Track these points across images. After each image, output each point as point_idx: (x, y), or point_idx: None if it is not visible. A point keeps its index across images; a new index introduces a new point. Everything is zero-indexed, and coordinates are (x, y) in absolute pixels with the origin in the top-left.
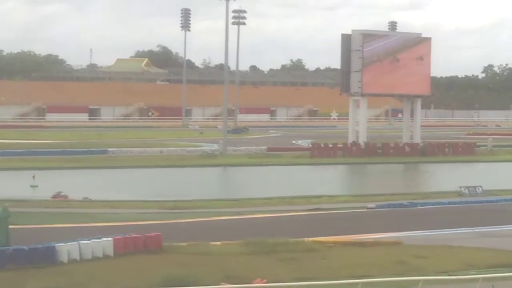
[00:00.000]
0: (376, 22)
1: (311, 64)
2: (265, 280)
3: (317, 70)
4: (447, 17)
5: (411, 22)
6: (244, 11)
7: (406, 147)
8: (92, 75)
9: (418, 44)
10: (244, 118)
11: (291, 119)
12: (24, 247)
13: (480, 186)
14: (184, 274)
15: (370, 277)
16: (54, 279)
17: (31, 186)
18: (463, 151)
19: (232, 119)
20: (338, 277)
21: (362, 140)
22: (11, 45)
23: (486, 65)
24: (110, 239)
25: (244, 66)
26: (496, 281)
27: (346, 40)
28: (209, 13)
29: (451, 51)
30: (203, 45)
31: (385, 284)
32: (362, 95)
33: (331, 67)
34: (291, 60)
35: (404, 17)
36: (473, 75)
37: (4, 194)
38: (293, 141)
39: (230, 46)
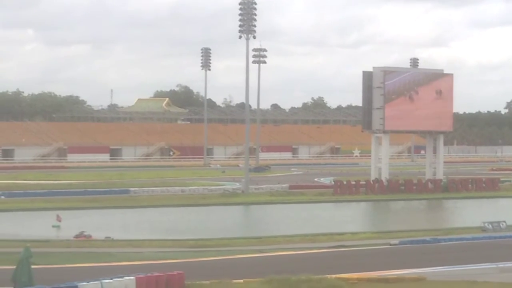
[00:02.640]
0: (398, 59)
1: (332, 102)
2: None
3: (339, 107)
4: (470, 53)
5: (434, 59)
6: (265, 50)
7: (429, 183)
8: (113, 115)
9: (440, 80)
10: (265, 157)
11: (313, 157)
12: (47, 287)
13: (504, 221)
14: None
15: None
16: None
17: (53, 226)
18: (487, 186)
19: (253, 157)
20: None
21: (384, 177)
22: (32, 86)
23: (509, 100)
24: (132, 278)
25: (265, 105)
26: None
27: (368, 77)
28: (229, 52)
29: (474, 87)
30: (224, 84)
31: None
32: (384, 132)
33: (353, 105)
34: (312, 98)
35: (426, 54)
36: (496, 110)
37: (26, 234)
38: (315, 179)
39: (251, 84)
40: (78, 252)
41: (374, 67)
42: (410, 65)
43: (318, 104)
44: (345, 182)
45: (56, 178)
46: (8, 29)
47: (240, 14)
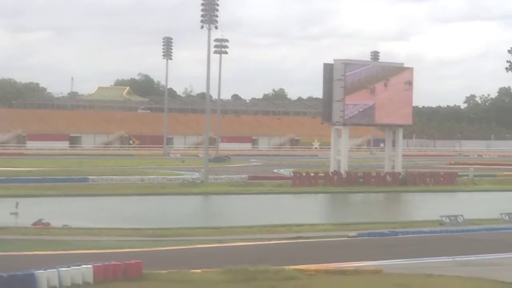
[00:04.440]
0: (360, 52)
1: (293, 94)
2: None
3: (299, 99)
4: (430, 48)
5: (395, 52)
6: (227, 40)
7: (387, 176)
8: (73, 103)
9: (400, 74)
10: (225, 147)
11: (272, 148)
12: (3, 274)
13: (461, 215)
14: None
15: None
16: None
17: (11, 214)
18: (445, 180)
19: (213, 147)
20: None
21: (343, 169)
22: None
23: (468, 95)
24: (90, 266)
25: (226, 95)
26: None
27: (328, 69)
28: (191, 42)
29: (434, 82)
30: (185, 73)
31: None
32: (344, 124)
33: (313, 97)
34: (273, 90)
35: (388, 47)
36: (455, 105)
37: None
38: (275, 170)
39: (212, 75)
40: (36, 240)
41: (335, 60)
42: (371, 59)
43: (279, 96)
44: (304, 174)
45: (14, 165)
46: None
47: (202, 4)
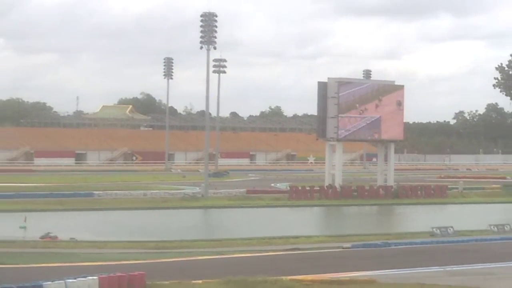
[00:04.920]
0: (353, 70)
1: (289, 111)
2: None
3: (295, 116)
4: (421, 66)
5: (387, 71)
6: (225, 60)
7: (380, 189)
8: (78, 121)
9: (392, 91)
10: (224, 162)
11: (269, 163)
12: (13, 286)
13: (452, 227)
14: None
15: None
16: None
17: (20, 227)
18: (435, 193)
19: (213, 163)
20: None
21: (338, 183)
22: (1, 93)
23: (457, 111)
24: (95, 277)
25: (224, 113)
26: None
27: (323, 87)
28: (191, 62)
29: (424, 98)
30: (185, 92)
31: None
32: (338, 140)
33: (308, 114)
34: (270, 107)
35: (380, 66)
36: (444, 121)
37: None
38: (272, 184)
39: (211, 93)
40: (44, 253)
41: (329, 78)
42: (363, 77)
43: (275, 113)
44: (300, 188)
45: (23, 181)
46: None
47: (201, 26)
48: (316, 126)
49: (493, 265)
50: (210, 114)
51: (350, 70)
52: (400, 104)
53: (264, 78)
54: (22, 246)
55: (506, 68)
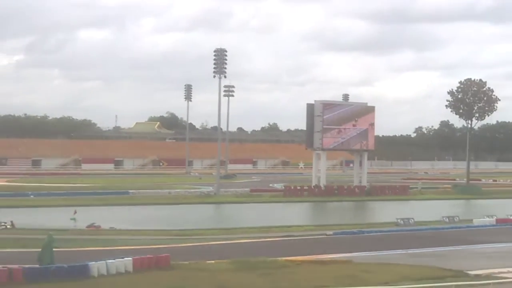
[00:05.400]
0: (335, 94)
1: (284, 126)
2: None
3: (289, 130)
4: (389, 91)
5: (362, 94)
6: (233, 86)
7: (356, 189)
8: (117, 135)
9: (365, 111)
10: (232, 167)
11: (268, 167)
12: (64, 265)
13: (412, 218)
14: (184, 285)
15: (329, 287)
16: None
17: (71, 219)
18: (399, 191)
19: (223, 168)
20: (304, 287)
21: (322, 183)
22: (56, 112)
23: (417, 126)
24: (130, 258)
25: (232, 128)
26: None
27: (310, 108)
28: (206, 88)
29: (391, 116)
30: (202, 111)
31: None
32: (322, 150)
33: (299, 129)
34: (269, 123)
35: (356, 91)
36: (407, 134)
37: (50, 225)
38: (270, 185)
39: (222, 112)
40: (89, 239)
41: (315, 101)
42: (343, 99)
43: (273, 128)
44: (292, 187)
45: (73, 182)
46: (40, 68)
47: (214, 59)
48: (305, 139)
49: (444, 248)
50: (221, 129)
51: (332, 94)
52: (372, 121)
53: (264, 100)
54: (72, 234)
55: (455, 93)
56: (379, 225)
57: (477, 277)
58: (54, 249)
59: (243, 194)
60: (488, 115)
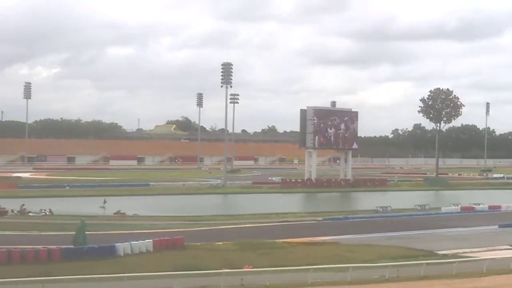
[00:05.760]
0: (324, 101)
1: (281, 129)
2: (250, 266)
3: (285, 132)
4: (370, 98)
5: (347, 102)
6: (238, 95)
7: (342, 181)
8: (139, 136)
9: (349, 115)
10: (237, 163)
11: (268, 163)
12: (95, 246)
13: (390, 206)
14: (196, 263)
15: (318, 264)
16: (114, 266)
17: (100, 207)
18: (379, 184)
19: (230, 163)
20: (298, 264)
21: (313, 177)
22: (87, 116)
23: (393, 129)
24: (150, 240)
25: (237, 129)
26: (400, 267)
27: (303, 113)
28: (215, 96)
29: (372, 120)
30: (211, 116)
31: (328, 269)
32: (314, 148)
33: (294, 130)
34: (268, 126)
35: (342, 99)
36: (385, 135)
37: (83, 212)
38: (269, 178)
39: (228, 117)
40: (116, 224)
41: (307, 107)
42: (331, 106)
43: (272, 130)
44: (288, 180)
45: (102, 176)
46: (74, 79)
47: (222, 71)
48: (299, 139)
49: (417, 232)
50: (227, 130)
51: (322, 101)
52: (355, 124)
53: (264, 106)
54: (101, 219)
55: (426, 100)
56: (361, 212)
57: (445, 256)
58: (86, 232)
59: (246, 186)
60: (454, 119)
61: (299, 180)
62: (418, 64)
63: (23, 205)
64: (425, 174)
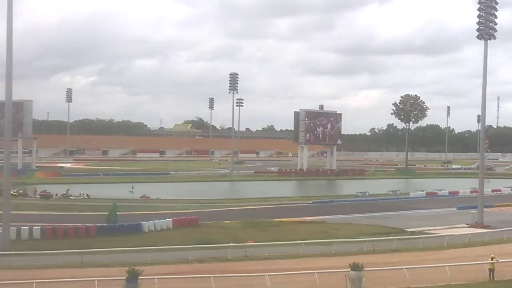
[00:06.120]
0: (314, 105)
1: (278, 127)
2: (253, 241)
3: (281, 130)
4: (351, 103)
5: (333, 105)
6: (242, 99)
7: (328, 171)
8: (161, 133)
9: (335, 117)
10: (242, 156)
11: (267, 156)
12: (125, 223)
13: (368, 192)
14: (208, 238)
15: (308, 239)
16: (141, 240)
17: (129, 192)
18: (359, 173)
19: (236, 156)
20: (292, 239)
21: (305, 167)
22: (118, 117)
23: (371, 127)
24: (170, 219)
25: (242, 128)
26: (375, 242)
27: (297, 114)
28: (223, 100)
29: (353, 120)
30: (221, 117)
31: (316, 243)
32: (305, 144)
33: (289, 129)
34: (267, 125)
35: (328, 103)
36: (364, 133)
37: (114, 196)
38: (268, 168)
39: (235, 117)
40: (142, 206)
41: (300, 109)
42: (319, 109)
43: (270, 128)
44: (284, 170)
45: (130, 166)
46: (108, 86)
47: (229, 80)
48: (293, 136)
49: (390, 213)
50: (234, 129)
51: (312, 105)
52: (339, 123)
53: (264, 109)
54: (129, 202)
55: (398, 104)
56: (344, 196)
57: (413, 233)
58: (117, 213)
59: (249, 174)
60: (421, 120)
61: (293, 170)
62: (391, 75)
63: (68, 189)
64: (397, 165)
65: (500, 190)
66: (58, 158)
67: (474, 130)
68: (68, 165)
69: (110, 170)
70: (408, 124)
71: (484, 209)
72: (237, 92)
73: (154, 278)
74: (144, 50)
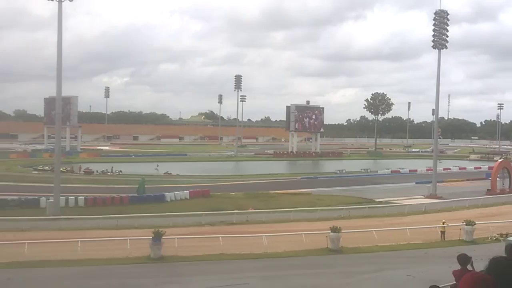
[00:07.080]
0: (302, 100)
1: (274, 118)
2: (253, 208)
3: (276, 121)
4: (332, 99)
5: (318, 101)
6: (245, 96)
7: (313, 153)
8: (180, 123)
9: (319, 110)
10: (245, 141)
11: (264, 141)
12: (151, 194)
13: (344, 169)
14: (217, 206)
15: (297, 207)
16: (164, 208)
17: (155, 169)
18: (337, 155)
19: (240, 141)
20: (284, 207)
21: (295, 150)
22: (146, 109)
23: (347, 119)
24: (187, 191)
25: (245, 119)
26: (351, 209)
27: (288, 108)
28: (230, 96)
29: (333, 113)
30: (228, 110)
31: (303, 210)
32: (295, 131)
33: (283, 119)
34: (265, 116)
35: (314, 99)
36: (341, 123)
37: (143, 172)
38: (266, 151)
39: (239, 110)
40: (165, 180)
41: (291, 104)
42: (306, 104)
43: (267, 119)
44: (278, 152)
45: (155, 149)
46: (138, 85)
47: (235, 80)
48: (286, 125)
49: (364, 186)
50: (238, 119)
51: (300, 100)
52: (322, 115)
53: (262, 103)
54: (155, 178)
55: (369, 100)
56: (326, 173)
57: (380, 202)
58: (145, 186)
59: (250, 156)
60: (387, 113)
61: (285, 152)
62: (364, 77)
63: (112, 167)
64: (368, 149)
65: (450, 169)
66: (98, 142)
67: (430, 121)
68: (106, 148)
69: (139, 152)
70: (377, 116)
71: (437, 183)
72: (241, 90)
73: (175, 238)
74: (167, 56)
